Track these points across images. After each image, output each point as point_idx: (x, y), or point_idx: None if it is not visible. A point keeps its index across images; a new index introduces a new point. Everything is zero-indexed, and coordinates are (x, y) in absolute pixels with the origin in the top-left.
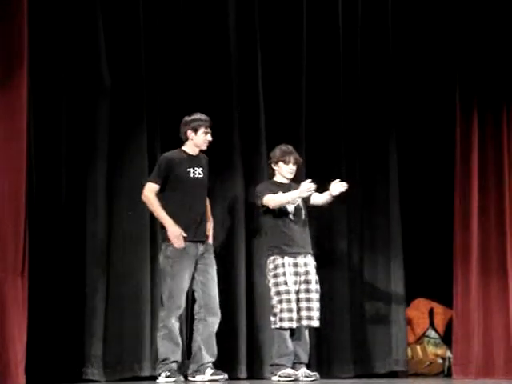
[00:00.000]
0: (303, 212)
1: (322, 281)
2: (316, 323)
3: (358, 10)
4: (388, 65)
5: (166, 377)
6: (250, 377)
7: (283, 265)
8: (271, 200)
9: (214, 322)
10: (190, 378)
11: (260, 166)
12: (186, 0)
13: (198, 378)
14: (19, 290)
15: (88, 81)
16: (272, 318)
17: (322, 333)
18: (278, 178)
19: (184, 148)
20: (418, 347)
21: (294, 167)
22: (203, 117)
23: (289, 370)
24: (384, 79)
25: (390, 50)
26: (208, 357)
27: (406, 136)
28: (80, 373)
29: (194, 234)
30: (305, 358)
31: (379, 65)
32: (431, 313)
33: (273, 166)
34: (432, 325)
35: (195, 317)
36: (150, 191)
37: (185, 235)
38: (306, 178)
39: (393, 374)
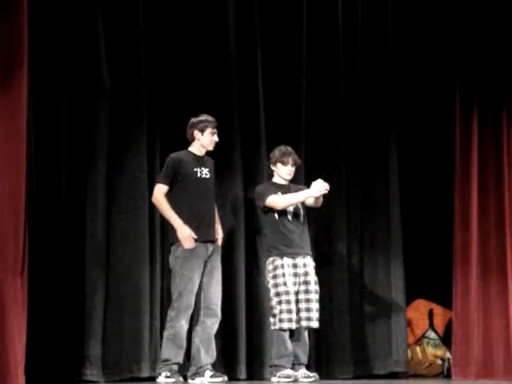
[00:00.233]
0: (302, 213)
1: (321, 281)
2: (315, 324)
3: (358, 10)
4: (388, 65)
5: (166, 377)
6: (249, 377)
7: (282, 266)
8: (279, 201)
9: (213, 324)
10: (189, 381)
11: (260, 167)
12: (186, 0)
13: (198, 380)
14: (19, 291)
15: (88, 81)
16: (271, 319)
17: (322, 333)
18: (276, 179)
19: (190, 149)
20: (418, 348)
21: (293, 169)
22: (210, 118)
23: (288, 371)
24: (384, 79)
25: (390, 50)
26: (207, 359)
27: (406, 136)
28: (79, 373)
29: (203, 234)
30: (304, 358)
31: (379, 65)
32: (431, 314)
33: (271, 167)
34: (431, 326)
35: (194, 318)
36: (160, 193)
37: (195, 237)
38: (306, 179)
39: (393, 375)
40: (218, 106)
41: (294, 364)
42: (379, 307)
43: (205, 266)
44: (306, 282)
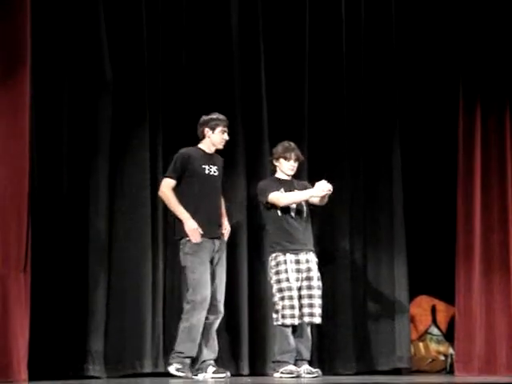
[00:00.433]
0: (305, 209)
1: (324, 277)
2: (318, 320)
3: (362, 8)
4: (391, 62)
5: (177, 370)
6: (252, 373)
7: (285, 262)
8: (282, 197)
9: (215, 319)
10: (192, 376)
11: (262, 164)
12: None
13: (200, 376)
14: (22, 286)
15: (90, 75)
16: (274, 315)
17: (324, 329)
18: (279, 175)
19: (200, 146)
20: (421, 344)
21: (295, 164)
22: (221, 116)
23: (291, 367)
24: (387, 77)
25: (394, 47)
26: (209, 354)
27: (410, 133)
28: (82, 369)
29: (209, 231)
30: (307, 354)
31: (382, 63)
32: (433, 310)
33: (274, 162)
34: (434, 322)
35: None
36: (167, 187)
37: (201, 232)
38: (309, 176)
39: (396, 371)
40: (221, 103)
41: (296, 360)
42: (382, 303)
43: (211, 261)
44: (309, 278)
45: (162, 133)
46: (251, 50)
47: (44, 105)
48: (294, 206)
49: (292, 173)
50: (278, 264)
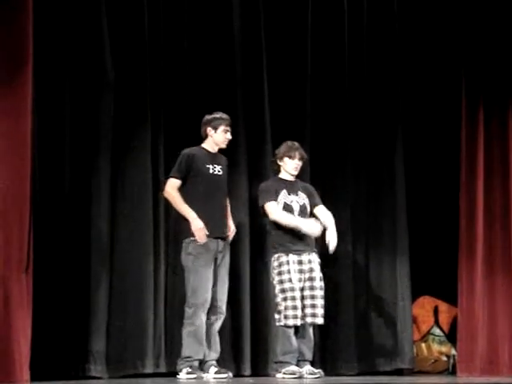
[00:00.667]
0: (308, 210)
1: (327, 278)
2: (320, 320)
3: (364, 7)
4: (394, 63)
5: (188, 373)
6: (254, 374)
7: (288, 262)
8: (276, 213)
9: (217, 320)
10: (202, 375)
11: (264, 164)
12: None
13: (203, 376)
14: (24, 288)
15: (92, 75)
16: (276, 316)
17: (327, 330)
18: (282, 175)
19: (203, 145)
20: (423, 345)
21: (300, 163)
22: (224, 116)
23: (293, 368)
24: (390, 77)
25: (396, 47)
26: (211, 354)
27: (412, 134)
28: (83, 369)
29: (214, 231)
30: (309, 355)
31: (385, 63)
32: (436, 311)
33: (278, 161)
34: (437, 322)
35: None
36: (172, 187)
37: (207, 233)
38: (311, 177)
39: (398, 372)
40: (223, 103)
41: (298, 360)
42: (384, 304)
43: (214, 262)
44: (311, 279)
45: (163, 134)
46: (253, 50)
47: (46, 106)
48: (298, 207)
49: (296, 172)
50: (280, 264)
